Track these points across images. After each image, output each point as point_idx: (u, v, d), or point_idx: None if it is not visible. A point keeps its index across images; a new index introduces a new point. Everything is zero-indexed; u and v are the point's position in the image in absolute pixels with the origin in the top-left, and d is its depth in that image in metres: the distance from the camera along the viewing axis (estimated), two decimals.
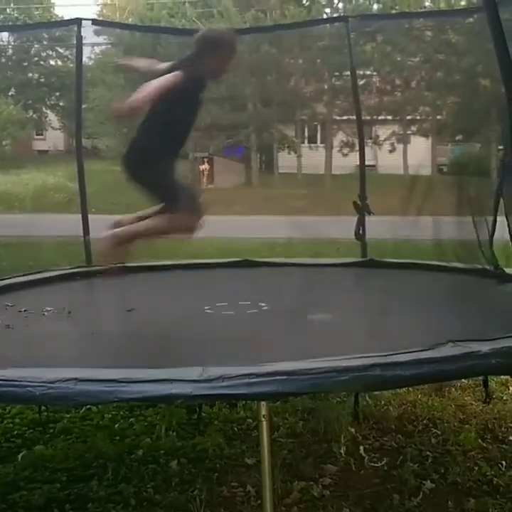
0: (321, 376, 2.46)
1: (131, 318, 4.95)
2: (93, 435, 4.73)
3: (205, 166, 25.59)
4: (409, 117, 25.15)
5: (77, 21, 7.18)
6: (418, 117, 25.32)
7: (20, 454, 4.43)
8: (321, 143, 28.07)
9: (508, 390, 5.43)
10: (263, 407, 2.60)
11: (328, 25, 13.63)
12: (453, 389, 5.44)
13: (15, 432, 4.81)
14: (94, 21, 7.84)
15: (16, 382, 2.53)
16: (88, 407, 4.99)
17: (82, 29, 7.28)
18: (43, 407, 4.86)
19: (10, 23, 28.72)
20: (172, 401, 2.55)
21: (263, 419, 2.62)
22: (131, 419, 5.00)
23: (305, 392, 2.85)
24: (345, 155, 23.59)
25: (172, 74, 4.41)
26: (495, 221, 6.38)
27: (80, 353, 3.98)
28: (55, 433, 4.80)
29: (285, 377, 2.45)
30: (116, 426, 4.90)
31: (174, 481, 4.04)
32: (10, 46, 31.61)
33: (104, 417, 5.01)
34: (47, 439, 4.71)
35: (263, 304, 5.04)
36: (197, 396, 2.42)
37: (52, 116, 32.10)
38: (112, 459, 4.31)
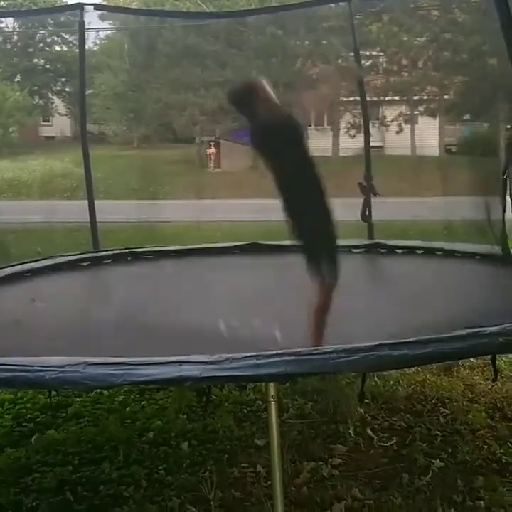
0: (328, 356, 2.46)
1: (139, 302, 4.98)
2: (104, 419, 4.77)
3: (212, 150, 25.50)
4: (416, 97, 24.92)
5: (80, 6, 7.17)
6: (425, 97, 25.08)
7: (33, 438, 4.48)
8: (328, 125, 27.91)
9: None
10: (271, 388, 2.61)
11: (333, 5, 13.49)
12: (461, 368, 5.45)
13: (27, 417, 4.86)
14: (97, 6, 7.79)
15: (27, 367, 2.55)
16: (99, 391, 5.03)
17: (86, 14, 7.26)
18: (53, 392, 4.90)
19: (15, 9, 28.53)
20: (181, 383, 2.57)
21: (272, 399, 2.63)
22: (141, 403, 5.03)
23: (312, 373, 2.86)
24: (353, 136, 23.43)
25: None
26: (504, 201, 6.36)
27: (89, 338, 4.02)
28: (66, 417, 4.84)
29: (292, 358, 2.46)
30: (127, 409, 4.94)
31: (185, 463, 4.08)
32: (15, 32, 31.50)
33: (114, 401, 5.05)
34: (59, 423, 4.76)
35: (271, 287, 5.06)
36: (206, 378, 2.44)
37: (58, 102, 32.01)
38: (123, 441, 4.36)
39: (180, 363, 2.48)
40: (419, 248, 6.84)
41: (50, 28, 31.06)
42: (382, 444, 4.26)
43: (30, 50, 32.01)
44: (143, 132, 26.67)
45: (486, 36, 19.04)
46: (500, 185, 6.35)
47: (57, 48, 32.61)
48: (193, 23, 20.35)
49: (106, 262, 6.91)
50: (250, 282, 5.55)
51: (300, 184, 4.31)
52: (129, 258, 6.96)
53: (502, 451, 4.09)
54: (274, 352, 2.50)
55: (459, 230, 7.00)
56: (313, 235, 4.29)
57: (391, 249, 6.87)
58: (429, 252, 6.69)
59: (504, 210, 6.26)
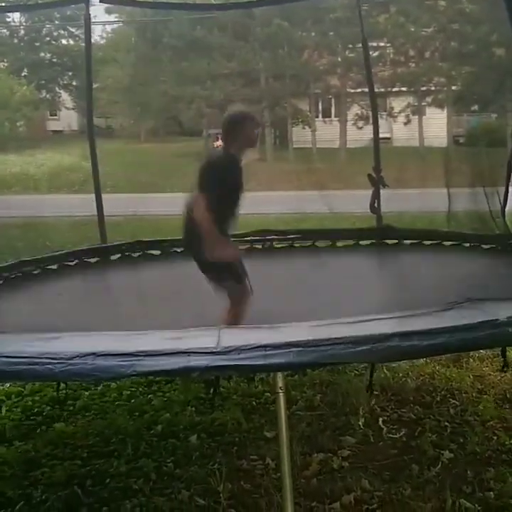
0: (337, 347, 2.44)
1: (149, 291, 4.98)
2: (112, 412, 4.77)
3: (219, 143, 25.39)
4: (423, 88, 24.83)
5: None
6: (433, 88, 24.99)
7: (40, 431, 4.48)
8: (336, 116, 27.81)
9: None
10: (279, 379, 2.59)
11: None
12: (471, 360, 5.43)
13: (35, 410, 4.86)
14: None
15: (36, 360, 2.53)
16: (106, 383, 5.03)
17: (92, 7, 7.26)
18: (62, 385, 4.90)
19: (21, 3, 28.59)
20: (189, 373, 2.54)
21: (280, 391, 2.61)
22: (149, 395, 5.03)
23: (321, 363, 2.83)
24: (360, 128, 23.35)
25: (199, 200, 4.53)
26: (507, 191, 6.36)
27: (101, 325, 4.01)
28: (74, 410, 4.84)
29: (301, 348, 2.43)
30: (135, 402, 4.94)
31: (194, 455, 4.07)
32: (22, 27, 31.56)
33: (122, 394, 5.04)
34: (66, 416, 4.75)
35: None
36: (213, 367, 2.41)
37: (65, 96, 32.08)
38: (131, 434, 4.35)
39: (189, 353, 2.46)
40: (427, 234, 6.88)
41: (56, 22, 31.12)
42: (391, 435, 4.25)
43: (37, 43, 32.08)
44: (150, 125, 26.71)
45: (494, 26, 18.95)
46: (505, 176, 6.36)
47: (64, 42, 32.68)
48: (200, 15, 20.32)
49: (113, 255, 6.93)
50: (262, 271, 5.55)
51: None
52: (136, 251, 6.98)
53: None
54: (283, 342, 2.48)
55: (465, 220, 6.99)
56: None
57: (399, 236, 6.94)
58: (436, 237, 6.73)
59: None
